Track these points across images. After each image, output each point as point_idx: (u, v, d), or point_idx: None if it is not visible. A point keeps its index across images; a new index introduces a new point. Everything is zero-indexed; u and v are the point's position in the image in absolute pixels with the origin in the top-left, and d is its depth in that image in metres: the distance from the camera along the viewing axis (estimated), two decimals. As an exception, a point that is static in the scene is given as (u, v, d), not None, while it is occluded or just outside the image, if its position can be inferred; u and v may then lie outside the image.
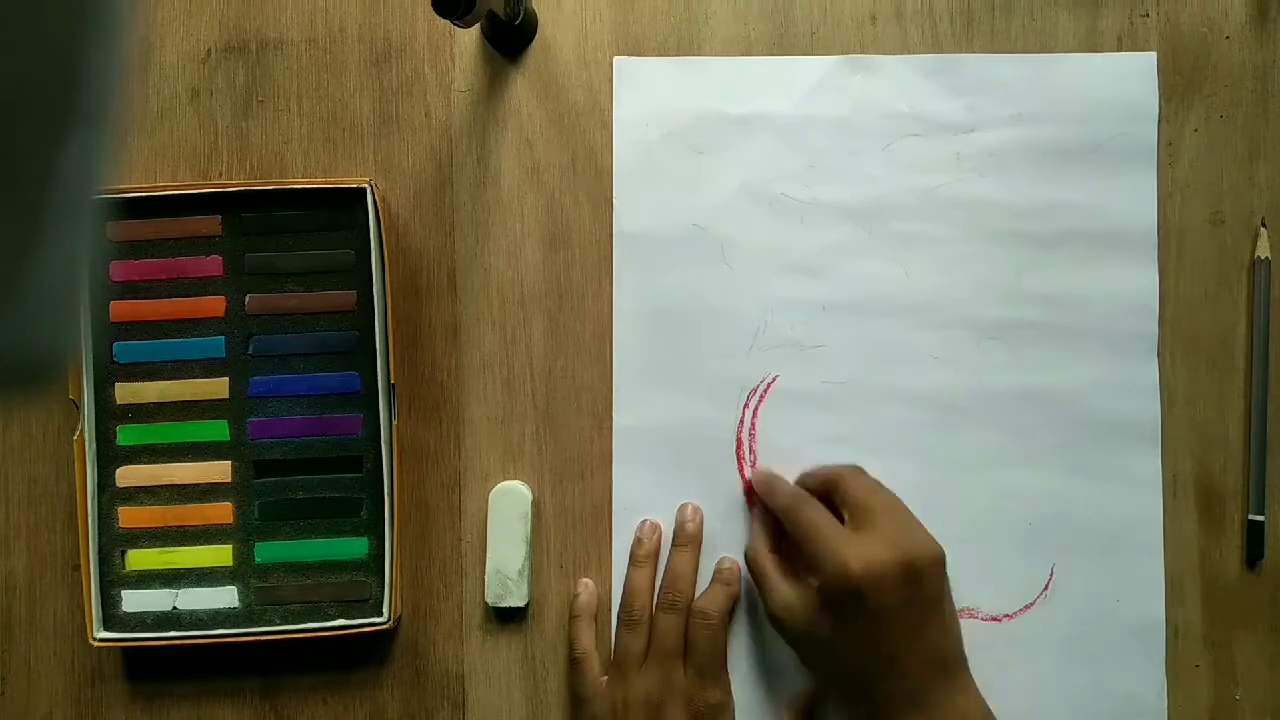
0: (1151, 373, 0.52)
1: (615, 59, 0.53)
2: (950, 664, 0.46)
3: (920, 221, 0.53)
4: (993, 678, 0.51)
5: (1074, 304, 0.52)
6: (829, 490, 0.49)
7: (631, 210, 0.53)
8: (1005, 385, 0.52)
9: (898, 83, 0.53)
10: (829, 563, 0.44)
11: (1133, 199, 0.53)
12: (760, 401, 0.53)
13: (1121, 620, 0.51)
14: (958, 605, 0.51)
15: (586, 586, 0.52)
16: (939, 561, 0.46)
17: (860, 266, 0.53)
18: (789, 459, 0.52)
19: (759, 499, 0.51)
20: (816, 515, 0.47)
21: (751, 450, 0.53)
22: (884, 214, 0.53)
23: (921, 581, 0.45)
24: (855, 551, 0.44)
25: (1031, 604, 0.52)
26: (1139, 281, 0.52)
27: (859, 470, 0.50)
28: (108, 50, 0.18)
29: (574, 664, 0.51)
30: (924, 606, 0.45)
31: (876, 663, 0.44)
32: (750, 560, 0.50)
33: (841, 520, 0.47)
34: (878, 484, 0.49)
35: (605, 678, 0.51)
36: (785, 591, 0.47)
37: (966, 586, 0.51)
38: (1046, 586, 0.52)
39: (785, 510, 0.49)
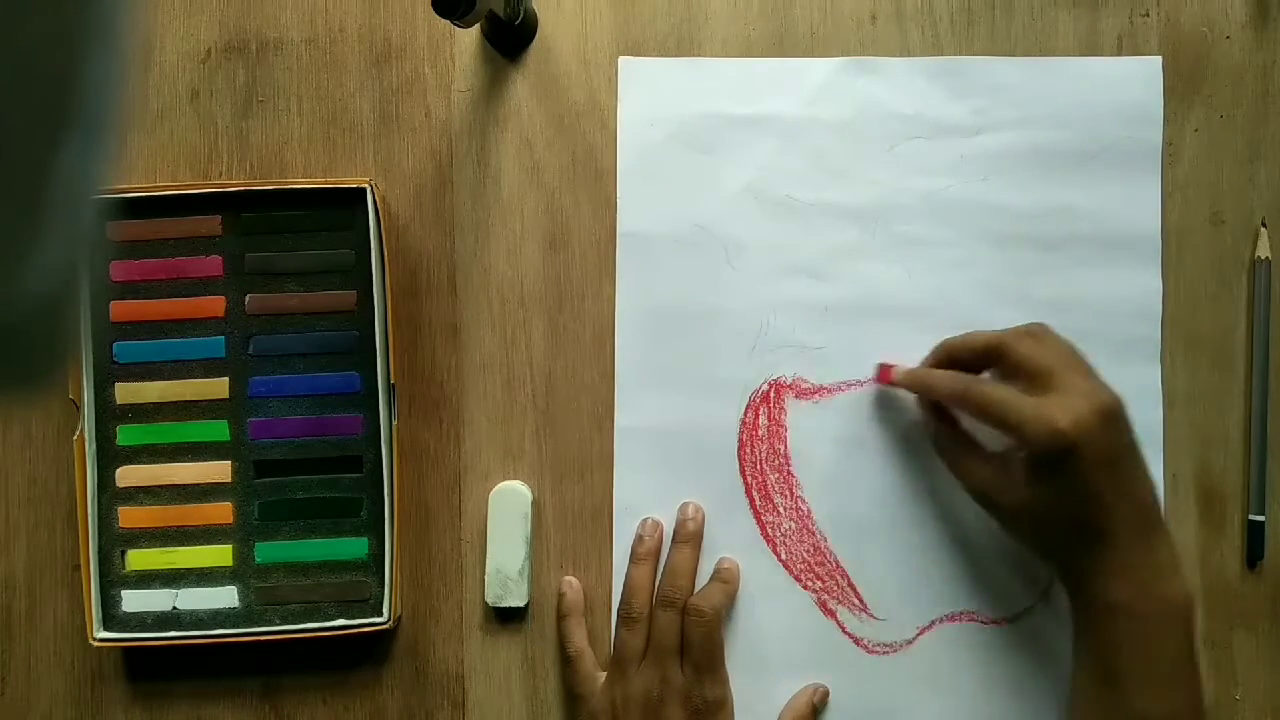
0: (1154, 377, 0.52)
1: (620, 59, 0.53)
2: (1154, 518, 0.45)
3: (923, 224, 0.53)
4: (993, 680, 0.51)
5: (1076, 308, 0.52)
6: (990, 360, 0.48)
7: (635, 210, 0.53)
8: (1006, 386, 0.52)
9: (902, 85, 0.53)
10: (1035, 428, 0.43)
11: (1136, 203, 0.53)
12: (762, 402, 0.53)
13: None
14: (957, 608, 0.52)
15: (571, 585, 0.52)
16: (1124, 405, 0.45)
17: (863, 268, 0.53)
18: (790, 460, 0.52)
19: (918, 394, 0.51)
20: (995, 390, 0.46)
21: (753, 451, 0.52)
22: (887, 216, 0.53)
23: (1122, 427, 0.44)
24: (1058, 410, 0.43)
25: (1031, 607, 0.51)
26: (1142, 286, 0.52)
27: (1019, 333, 0.47)
28: (106, 52, 0.18)
29: (568, 663, 0.51)
30: (1130, 455, 0.44)
31: (1088, 528, 0.44)
32: (939, 448, 0.50)
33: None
34: (1041, 338, 0.47)
35: (602, 674, 0.51)
36: (987, 471, 0.47)
37: (966, 590, 0.51)
38: (1047, 590, 0.51)
39: (957, 396, 0.47)
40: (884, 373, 0.52)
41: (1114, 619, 0.43)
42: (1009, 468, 0.46)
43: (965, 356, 0.49)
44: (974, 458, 0.48)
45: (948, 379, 0.48)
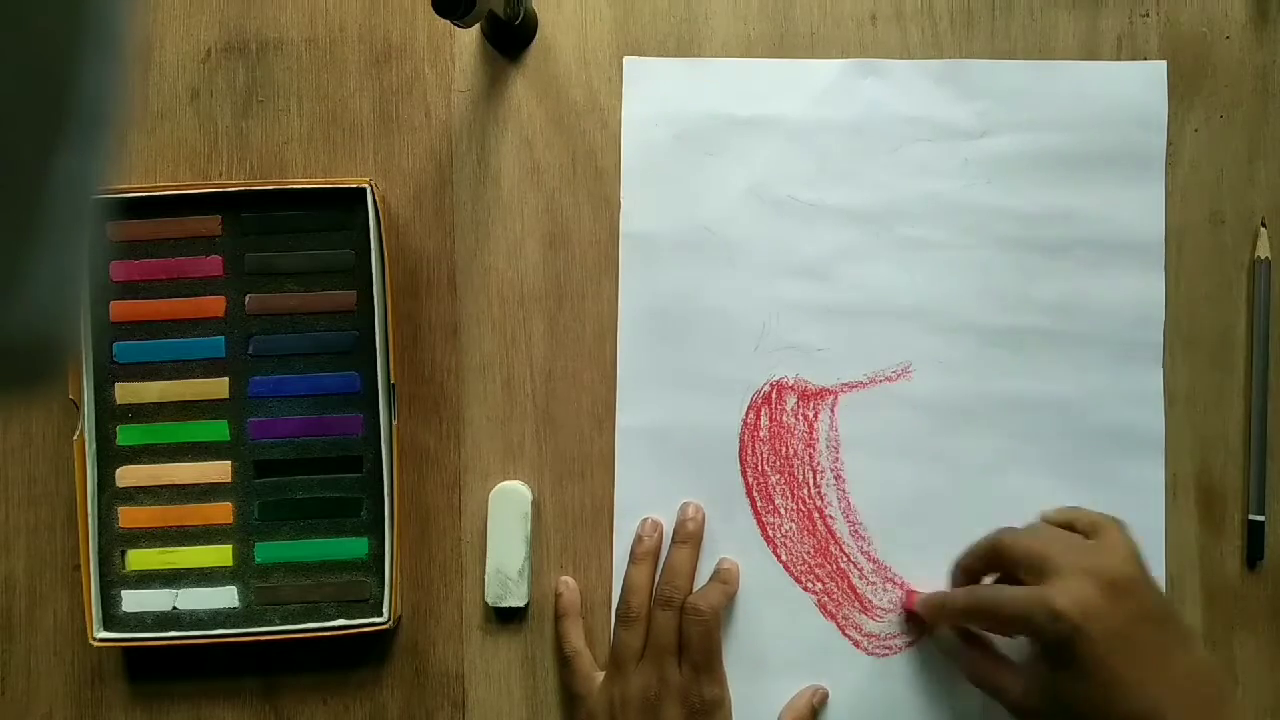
0: (1156, 382, 0.52)
1: (625, 59, 0.53)
2: (1216, 697, 0.41)
3: (927, 226, 0.53)
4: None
5: (1079, 312, 0.52)
6: (993, 561, 0.47)
7: (638, 210, 0.53)
8: (1009, 391, 0.52)
9: (908, 87, 0.53)
10: (1036, 618, 0.41)
11: (1140, 208, 0.53)
12: (764, 403, 0.53)
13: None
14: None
15: (568, 585, 0.52)
16: (1136, 560, 0.42)
17: (866, 270, 0.53)
18: (792, 461, 0.52)
19: (938, 622, 0.50)
20: (995, 592, 0.45)
21: (755, 452, 0.52)
22: (891, 218, 0.53)
23: (1133, 594, 0.41)
24: (1055, 595, 0.41)
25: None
26: (1145, 290, 0.52)
27: (1009, 529, 0.47)
28: (106, 52, 0.18)
29: (565, 663, 0.51)
30: (1152, 624, 0.41)
31: (1135, 707, 0.40)
32: (973, 678, 0.47)
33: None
34: (1034, 529, 0.47)
35: (600, 674, 0.51)
36: (1014, 680, 0.45)
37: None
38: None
39: (966, 609, 0.47)
40: (910, 598, 0.51)
41: None
42: (1033, 669, 0.43)
43: (975, 565, 0.48)
44: (1003, 673, 0.46)
45: (955, 595, 0.48)
